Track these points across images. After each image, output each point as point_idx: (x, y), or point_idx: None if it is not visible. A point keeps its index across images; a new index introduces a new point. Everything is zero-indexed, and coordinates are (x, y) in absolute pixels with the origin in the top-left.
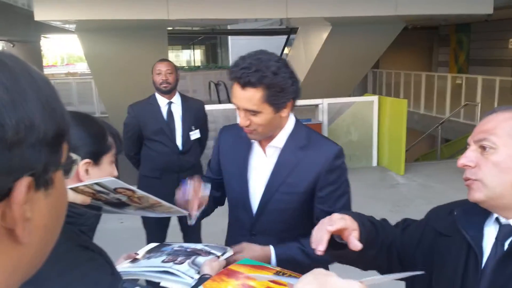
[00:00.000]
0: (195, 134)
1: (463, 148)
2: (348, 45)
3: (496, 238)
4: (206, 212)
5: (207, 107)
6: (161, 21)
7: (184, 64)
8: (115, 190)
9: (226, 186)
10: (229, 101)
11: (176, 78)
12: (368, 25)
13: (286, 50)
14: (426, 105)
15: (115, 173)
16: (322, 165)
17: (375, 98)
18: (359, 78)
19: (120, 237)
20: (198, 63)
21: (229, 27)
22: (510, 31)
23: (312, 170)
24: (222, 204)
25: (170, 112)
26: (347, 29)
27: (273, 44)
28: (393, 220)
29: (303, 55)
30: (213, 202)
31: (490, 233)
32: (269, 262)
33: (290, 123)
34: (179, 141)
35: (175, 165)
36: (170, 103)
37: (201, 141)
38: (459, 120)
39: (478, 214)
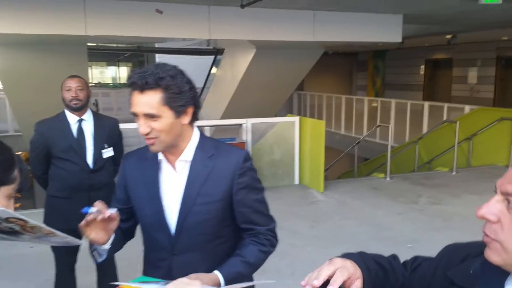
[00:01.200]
0: (108, 152)
1: (379, 166)
2: (272, 67)
3: None
4: (115, 246)
5: (132, 125)
6: (79, 37)
7: (109, 81)
8: (6, 220)
9: (138, 212)
10: None
11: (88, 95)
12: (290, 50)
13: (213, 70)
14: (346, 126)
15: (11, 208)
16: (233, 169)
17: (296, 119)
18: (283, 100)
19: (29, 263)
20: (124, 80)
21: (156, 45)
22: (422, 58)
23: (224, 176)
24: (132, 236)
25: (80, 130)
26: (271, 52)
27: (202, 64)
28: (312, 233)
29: (230, 76)
30: (122, 235)
31: None
32: (219, 286)
33: (195, 135)
34: (89, 159)
35: (85, 184)
36: (80, 120)
37: (115, 160)
38: (375, 140)
39: (497, 269)
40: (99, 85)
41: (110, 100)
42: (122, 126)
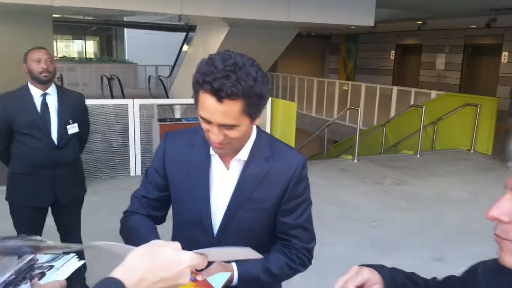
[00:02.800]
0: (72, 128)
1: (348, 148)
2: (245, 47)
3: None
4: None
5: (98, 101)
6: (44, 7)
7: (75, 55)
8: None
9: (177, 204)
10: (123, 96)
11: (55, 68)
12: (264, 29)
13: (184, 48)
14: (317, 108)
15: None
16: (290, 177)
17: (268, 100)
18: None
19: None
20: (90, 55)
21: (125, 18)
22: (392, 43)
23: (279, 183)
24: (163, 221)
25: (44, 104)
26: (244, 31)
27: (172, 40)
28: None
29: (201, 53)
30: (155, 223)
31: None
32: (232, 281)
33: (253, 132)
34: (54, 135)
35: (50, 160)
36: (45, 94)
37: (81, 136)
38: (345, 123)
39: (509, 275)
40: (64, 59)
41: (75, 75)
42: (87, 102)
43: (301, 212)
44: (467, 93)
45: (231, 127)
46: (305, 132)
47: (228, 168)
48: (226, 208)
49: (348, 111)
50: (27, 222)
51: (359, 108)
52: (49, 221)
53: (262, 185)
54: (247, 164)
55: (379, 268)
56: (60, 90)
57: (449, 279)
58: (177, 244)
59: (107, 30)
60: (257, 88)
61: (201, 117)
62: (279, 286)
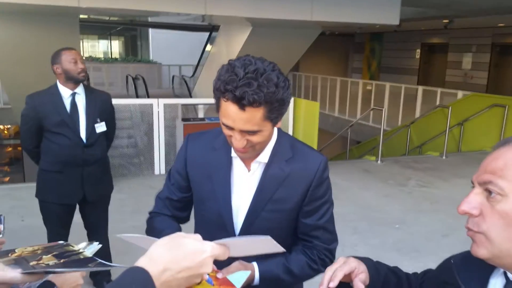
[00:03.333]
0: (100, 127)
1: (371, 149)
2: (268, 46)
3: None
4: None
5: (124, 101)
6: (71, 8)
7: (101, 55)
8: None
9: (199, 205)
10: (147, 96)
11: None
12: (287, 28)
13: (208, 47)
14: (340, 108)
15: None
16: (311, 179)
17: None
18: None
19: (19, 236)
20: (116, 55)
21: (149, 19)
22: (418, 42)
23: (301, 185)
24: (187, 221)
25: (73, 103)
26: (267, 31)
27: (195, 39)
28: None
29: (224, 53)
30: (179, 223)
31: (496, 287)
32: (252, 280)
33: (274, 134)
34: (83, 134)
35: (79, 158)
36: (74, 94)
37: (108, 135)
38: (368, 124)
39: (481, 262)
40: (90, 59)
41: (101, 75)
42: (114, 101)
43: (322, 214)
44: (495, 93)
45: (253, 132)
46: (327, 133)
47: (249, 170)
48: (248, 210)
49: (371, 112)
50: (56, 219)
51: (383, 108)
52: (76, 218)
53: (283, 186)
54: (268, 166)
55: (364, 259)
56: (88, 89)
57: (427, 272)
58: (198, 236)
59: (132, 30)
60: (279, 94)
61: (223, 124)
62: (301, 286)
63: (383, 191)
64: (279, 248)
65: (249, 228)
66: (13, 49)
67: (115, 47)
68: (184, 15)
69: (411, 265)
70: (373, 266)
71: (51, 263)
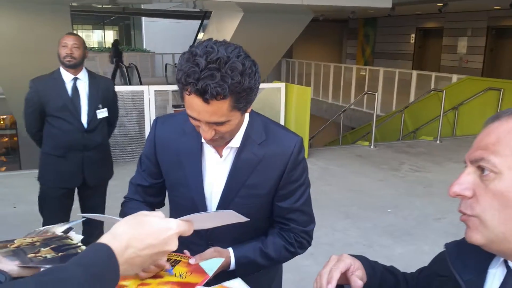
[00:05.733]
0: (102, 113)
1: (365, 134)
2: (260, 32)
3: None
4: None
5: (115, 88)
6: None
7: (95, 45)
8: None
9: (172, 191)
10: (140, 84)
11: (83, 55)
12: (278, 14)
13: (200, 35)
14: (333, 95)
15: None
16: (286, 161)
17: (282, 85)
18: (271, 66)
19: (10, 223)
20: (109, 45)
21: (142, 6)
22: (412, 26)
23: (275, 169)
24: (162, 206)
25: (75, 88)
26: (258, 16)
27: (188, 28)
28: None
29: None
30: (153, 208)
31: (496, 277)
32: (228, 266)
33: (246, 119)
34: (84, 119)
35: (79, 143)
36: (75, 79)
37: (110, 121)
38: (362, 109)
39: (478, 250)
40: None
41: (95, 64)
42: (117, 88)
43: (298, 196)
44: (491, 77)
45: (221, 123)
46: (321, 119)
47: (221, 156)
48: (221, 196)
49: (365, 97)
50: (55, 205)
51: (376, 93)
52: (75, 204)
53: (256, 171)
54: (240, 150)
55: (359, 257)
56: (91, 75)
57: (422, 270)
58: (161, 213)
59: (125, 19)
60: (245, 82)
61: (189, 115)
62: (280, 268)
63: (376, 176)
64: (243, 218)
65: None
66: (5, 40)
67: (109, 36)
68: (176, 1)
69: (403, 248)
70: (367, 263)
71: (48, 256)
